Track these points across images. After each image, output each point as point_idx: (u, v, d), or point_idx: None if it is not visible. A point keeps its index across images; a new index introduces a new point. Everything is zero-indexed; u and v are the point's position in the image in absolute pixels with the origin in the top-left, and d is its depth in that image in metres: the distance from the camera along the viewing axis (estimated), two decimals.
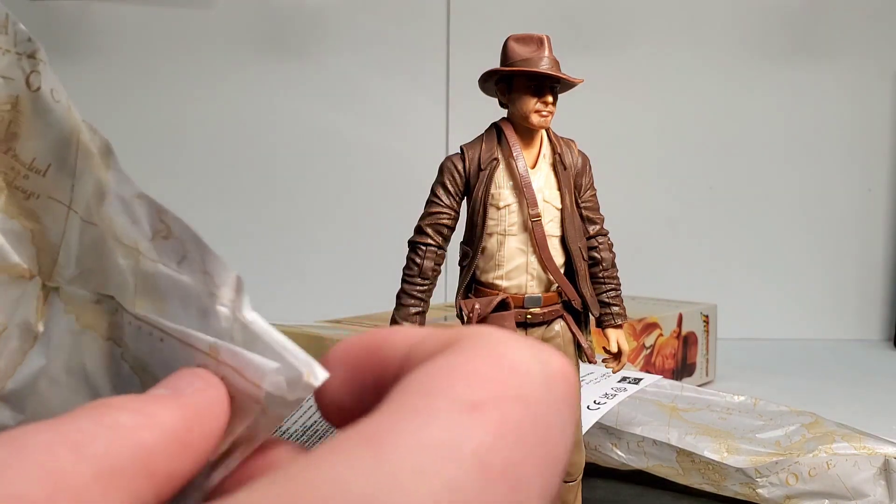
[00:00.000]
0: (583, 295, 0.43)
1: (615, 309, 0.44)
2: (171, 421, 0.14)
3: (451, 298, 0.45)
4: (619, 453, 0.59)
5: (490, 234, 0.42)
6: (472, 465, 0.12)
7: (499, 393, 0.13)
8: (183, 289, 0.17)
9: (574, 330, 0.44)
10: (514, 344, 0.14)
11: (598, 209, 0.45)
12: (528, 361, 0.14)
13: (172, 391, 0.15)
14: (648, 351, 0.81)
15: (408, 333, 0.16)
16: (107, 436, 0.14)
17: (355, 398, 0.16)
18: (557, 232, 0.43)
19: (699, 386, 0.70)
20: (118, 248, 0.18)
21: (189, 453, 0.15)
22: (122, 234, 0.18)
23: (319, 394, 0.17)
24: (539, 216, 0.42)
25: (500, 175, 0.42)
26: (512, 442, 0.13)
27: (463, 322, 0.43)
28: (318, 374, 0.16)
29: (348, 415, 0.16)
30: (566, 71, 0.42)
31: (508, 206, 0.42)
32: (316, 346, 0.65)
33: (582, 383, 0.45)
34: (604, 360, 0.45)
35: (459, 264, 0.43)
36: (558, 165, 0.43)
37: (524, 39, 0.42)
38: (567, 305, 0.43)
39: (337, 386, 0.16)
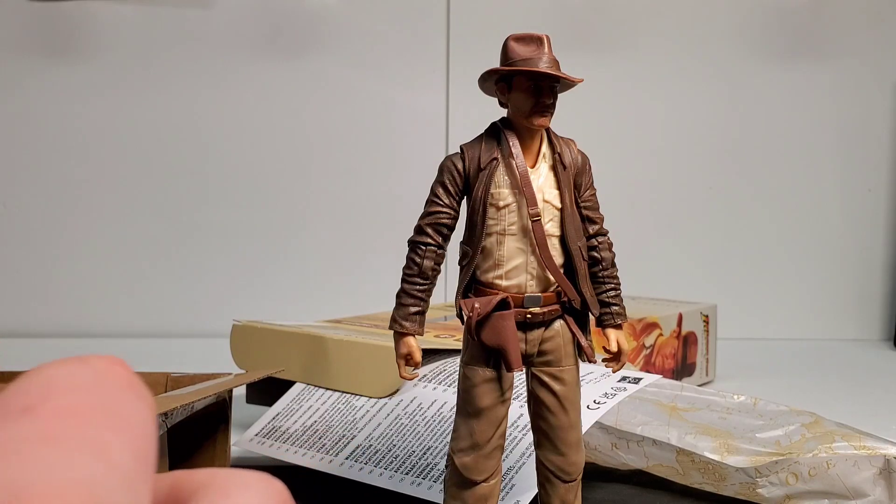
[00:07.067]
0: (583, 294, 0.43)
1: (615, 309, 0.44)
2: None
3: (451, 298, 0.45)
4: (619, 453, 0.59)
5: (490, 234, 0.42)
6: None
7: None
8: None
9: (574, 329, 0.44)
10: None
11: (597, 209, 0.45)
12: None
13: None
14: (648, 351, 0.81)
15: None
16: None
17: None
18: (557, 231, 0.43)
19: (699, 386, 0.70)
20: None
21: None
22: None
23: None
24: (539, 216, 0.42)
25: (500, 175, 0.42)
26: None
27: (463, 321, 0.43)
28: None
29: None
30: (566, 70, 0.42)
31: (508, 205, 0.42)
32: (316, 346, 0.65)
33: (582, 383, 0.45)
34: (604, 360, 0.45)
35: (459, 264, 0.43)
36: (558, 165, 0.43)
37: (524, 39, 0.42)
38: (567, 305, 0.43)
39: None
